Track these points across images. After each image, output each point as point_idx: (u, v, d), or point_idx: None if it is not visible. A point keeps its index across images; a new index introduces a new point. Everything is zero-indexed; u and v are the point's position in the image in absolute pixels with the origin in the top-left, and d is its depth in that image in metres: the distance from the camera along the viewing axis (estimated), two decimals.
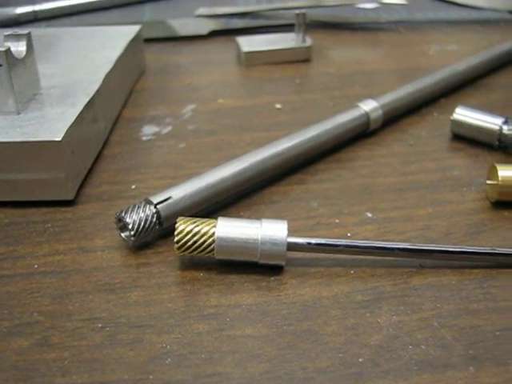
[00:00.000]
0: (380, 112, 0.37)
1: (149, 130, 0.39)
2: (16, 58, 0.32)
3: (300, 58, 0.50)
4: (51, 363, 0.22)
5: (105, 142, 0.37)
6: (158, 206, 0.27)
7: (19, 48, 0.33)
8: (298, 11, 0.50)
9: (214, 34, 0.57)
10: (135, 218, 0.27)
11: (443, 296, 0.25)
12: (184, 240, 0.25)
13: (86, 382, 0.21)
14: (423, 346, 0.22)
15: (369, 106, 0.37)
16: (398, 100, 0.39)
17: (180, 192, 0.29)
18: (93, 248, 0.28)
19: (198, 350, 0.22)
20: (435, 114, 0.40)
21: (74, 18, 0.64)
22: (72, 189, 0.31)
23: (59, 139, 0.30)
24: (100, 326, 0.24)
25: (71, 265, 0.27)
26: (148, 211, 0.27)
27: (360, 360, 0.22)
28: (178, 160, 0.35)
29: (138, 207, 0.27)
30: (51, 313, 0.25)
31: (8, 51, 0.32)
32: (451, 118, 0.37)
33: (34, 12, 0.62)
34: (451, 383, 0.21)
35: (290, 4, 0.60)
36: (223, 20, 0.59)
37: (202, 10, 0.61)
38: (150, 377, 0.21)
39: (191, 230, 0.25)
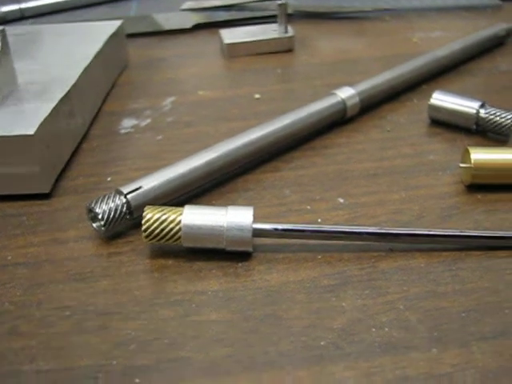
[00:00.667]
0: (357, 99, 0.37)
1: (128, 123, 0.39)
2: None
3: (282, 49, 0.50)
4: (19, 351, 0.22)
5: (84, 136, 0.37)
6: (128, 196, 0.28)
7: None
8: (279, 1, 0.50)
9: (198, 27, 0.57)
10: (105, 208, 0.27)
11: (411, 279, 0.25)
12: (151, 228, 0.26)
13: (52, 369, 0.22)
14: (387, 329, 0.23)
15: (345, 93, 0.37)
16: (375, 87, 0.39)
17: (151, 182, 0.29)
18: (66, 239, 0.28)
19: (162, 336, 0.22)
20: (415, 100, 0.40)
21: (61, 16, 0.64)
22: (47, 182, 0.32)
23: (32, 133, 0.30)
24: (68, 314, 0.24)
25: (44, 256, 0.27)
26: (118, 201, 0.27)
27: (322, 343, 0.22)
28: (154, 152, 0.35)
29: (108, 197, 0.28)
30: (22, 302, 0.25)
31: None
32: (428, 103, 0.37)
33: (21, 10, 0.62)
34: (413, 364, 0.21)
35: None
36: (208, 13, 0.59)
37: (188, 4, 0.61)
38: (114, 362, 0.22)
39: (158, 219, 0.26)
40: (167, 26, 0.56)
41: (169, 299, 0.24)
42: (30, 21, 0.62)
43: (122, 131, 0.38)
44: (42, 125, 0.31)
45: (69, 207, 0.31)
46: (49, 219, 0.30)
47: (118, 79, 0.46)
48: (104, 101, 0.42)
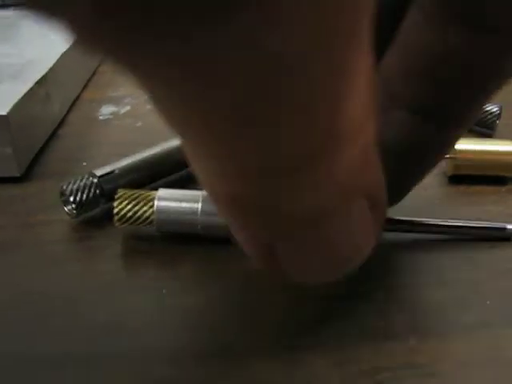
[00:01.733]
0: None
1: (107, 110, 0.38)
2: None
3: None
4: None
5: (61, 122, 0.36)
6: (100, 179, 0.27)
7: None
8: None
9: None
10: (76, 190, 0.26)
11: (391, 269, 0.24)
12: (123, 212, 0.25)
13: (14, 353, 0.21)
14: (366, 319, 0.22)
15: None
16: None
17: (125, 165, 0.28)
18: (37, 223, 0.27)
19: (131, 322, 0.22)
20: None
21: None
22: (20, 165, 0.31)
23: (5, 113, 0.29)
24: (35, 299, 0.23)
25: (13, 240, 0.26)
26: (89, 183, 0.27)
27: (294, 331, 0.21)
28: (133, 138, 0.34)
29: (81, 180, 0.27)
30: None
31: None
32: None
33: None
34: (391, 354, 0.20)
35: None
36: None
37: None
38: (80, 348, 0.21)
39: (131, 202, 0.25)
40: None
41: (139, 285, 0.23)
42: (12, 8, 0.61)
43: (101, 118, 0.37)
44: (15, 106, 0.30)
45: (41, 191, 0.30)
46: (20, 203, 0.29)
47: (98, 67, 0.45)
48: (84, 88, 0.41)
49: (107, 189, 0.27)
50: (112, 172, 0.27)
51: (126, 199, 0.25)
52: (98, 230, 0.27)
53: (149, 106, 0.38)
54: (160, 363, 0.20)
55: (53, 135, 0.35)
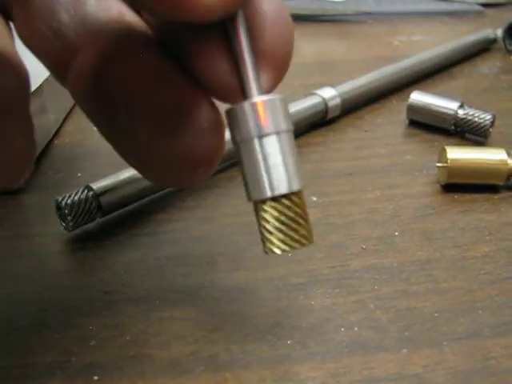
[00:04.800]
0: (338, 100, 0.36)
1: None
2: None
3: None
4: None
5: (56, 133, 0.36)
6: (97, 193, 0.27)
7: None
8: None
9: None
10: (72, 203, 0.26)
11: (383, 278, 0.24)
12: None
13: (7, 365, 0.21)
14: (356, 328, 0.22)
15: (327, 93, 0.36)
16: (357, 88, 0.38)
17: (121, 179, 0.28)
18: (31, 234, 0.28)
19: (124, 333, 0.22)
20: (394, 102, 0.40)
21: None
22: (19, 176, 0.31)
23: None
24: (29, 310, 0.23)
25: (7, 251, 0.26)
26: (85, 197, 0.27)
27: (288, 342, 0.21)
28: None
29: (76, 194, 0.27)
30: None
31: None
32: (407, 103, 0.36)
33: None
34: (382, 365, 0.21)
35: None
36: None
37: None
38: (73, 359, 0.21)
39: None
40: None
41: (132, 295, 0.23)
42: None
43: (96, 128, 0.37)
44: None
45: (36, 203, 0.30)
46: (15, 214, 0.29)
47: None
48: None
49: (105, 203, 0.27)
50: (112, 189, 0.27)
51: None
52: (92, 243, 0.27)
53: None
54: (154, 374, 0.20)
55: (48, 146, 0.35)
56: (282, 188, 0.16)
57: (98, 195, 0.27)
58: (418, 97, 0.36)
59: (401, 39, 0.51)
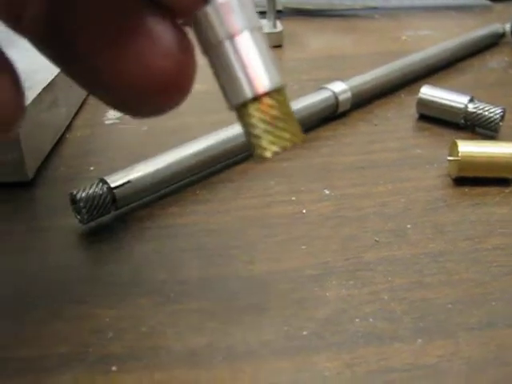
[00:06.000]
0: (349, 94, 0.37)
1: (113, 115, 0.38)
2: None
3: (271, 44, 0.49)
4: None
5: (67, 127, 0.37)
6: (112, 186, 0.27)
7: None
8: None
9: None
10: (87, 197, 0.27)
11: (396, 270, 0.24)
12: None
13: (24, 357, 0.21)
14: (371, 319, 0.22)
15: (337, 87, 0.36)
16: (367, 82, 0.38)
17: (137, 172, 0.28)
18: (46, 228, 0.28)
19: (140, 324, 0.22)
20: (403, 96, 0.40)
21: None
22: (30, 170, 0.31)
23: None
24: (44, 303, 0.23)
25: (20, 244, 0.27)
26: (100, 190, 0.27)
27: (304, 333, 0.21)
28: (139, 142, 0.35)
29: (90, 187, 0.27)
30: None
31: None
32: (417, 97, 0.36)
33: None
34: (397, 355, 0.21)
35: None
36: None
37: None
38: (90, 350, 0.21)
39: None
40: None
41: (148, 287, 0.24)
42: None
43: (107, 122, 0.37)
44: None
45: (50, 196, 0.30)
46: (29, 208, 0.29)
47: None
48: (88, 94, 0.41)
49: (119, 196, 0.27)
50: (127, 182, 0.27)
51: None
52: (107, 235, 0.27)
53: None
54: (171, 365, 0.20)
55: (60, 140, 0.35)
56: (263, 86, 0.15)
57: (113, 188, 0.27)
58: (427, 91, 0.36)
59: (408, 34, 0.52)
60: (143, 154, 0.31)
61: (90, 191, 0.27)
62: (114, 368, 0.20)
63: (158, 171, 0.29)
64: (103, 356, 0.21)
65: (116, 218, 0.28)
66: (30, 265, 0.25)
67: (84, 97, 0.41)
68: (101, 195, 0.27)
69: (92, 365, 0.21)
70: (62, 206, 0.29)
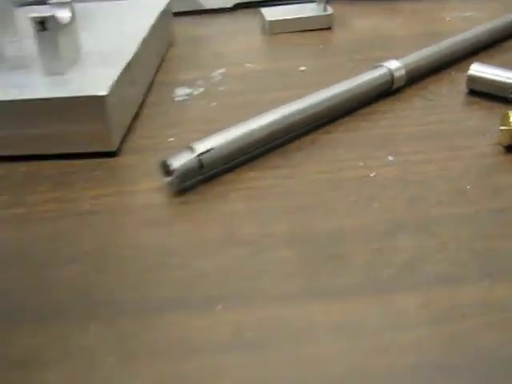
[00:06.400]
0: (403, 71, 0.39)
1: (181, 92, 0.41)
2: (61, 24, 0.35)
3: (321, 26, 0.52)
4: (98, 285, 0.25)
5: (141, 104, 0.40)
6: (199, 153, 0.30)
7: (64, 15, 0.36)
8: None
9: (237, 6, 0.59)
10: (178, 163, 0.30)
11: (461, 224, 0.27)
12: None
13: (133, 298, 0.24)
14: (442, 265, 0.25)
15: (392, 65, 0.39)
16: (419, 60, 0.41)
17: (219, 140, 0.31)
18: (136, 191, 0.31)
19: (237, 272, 0.25)
20: (453, 73, 0.42)
21: None
22: (115, 141, 0.34)
23: (104, 93, 0.32)
24: (144, 253, 0.26)
25: (117, 205, 0.30)
26: (189, 157, 0.30)
27: (384, 276, 0.24)
28: (210, 116, 0.38)
29: (180, 154, 0.30)
30: (101, 244, 0.27)
31: (53, 17, 0.34)
32: (467, 74, 0.39)
33: None
34: (467, 295, 0.23)
35: None
36: None
37: None
38: (194, 293, 0.24)
39: None
40: (208, 5, 0.58)
41: (239, 240, 0.27)
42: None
43: (177, 99, 0.40)
44: (111, 88, 0.33)
45: (135, 164, 0.33)
46: (118, 174, 0.33)
47: (166, 54, 0.48)
48: (156, 73, 0.45)
49: (206, 162, 0.30)
50: (210, 149, 0.30)
51: None
52: (195, 196, 0.30)
53: (221, 88, 0.41)
54: (270, 304, 0.23)
55: (136, 115, 0.38)
56: None
57: (199, 155, 0.30)
58: (477, 68, 0.39)
59: (452, 15, 0.54)
60: (216, 126, 0.34)
61: (181, 158, 0.30)
62: (219, 307, 0.23)
63: (236, 140, 0.32)
64: (208, 296, 0.24)
65: (201, 181, 0.31)
66: (127, 222, 0.28)
67: (152, 77, 0.44)
68: (190, 161, 0.30)
69: (197, 305, 0.24)
70: (149, 173, 0.32)
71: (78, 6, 0.48)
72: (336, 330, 0.22)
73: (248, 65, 0.45)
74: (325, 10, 0.52)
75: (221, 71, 0.44)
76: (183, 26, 0.55)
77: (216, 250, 0.26)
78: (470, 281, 0.24)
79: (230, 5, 0.59)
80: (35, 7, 0.51)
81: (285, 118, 0.33)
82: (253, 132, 0.32)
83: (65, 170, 0.33)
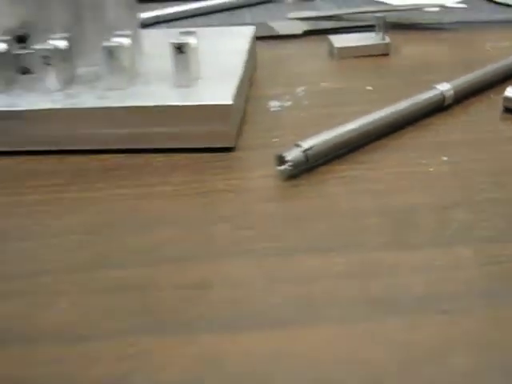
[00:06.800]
0: (452, 92, 0.50)
1: (274, 104, 0.52)
2: (191, 48, 0.46)
3: (380, 53, 0.63)
4: (241, 239, 0.36)
5: (243, 113, 0.51)
6: (305, 149, 0.41)
7: (193, 41, 0.47)
8: (377, 14, 0.63)
9: (306, 33, 0.70)
10: (291, 156, 0.40)
11: (500, 204, 0.37)
12: None
13: (269, 247, 0.35)
14: (499, 225, 0.35)
15: (444, 87, 0.50)
16: (465, 83, 0.51)
17: (319, 140, 0.42)
18: (256, 176, 0.41)
19: (341, 231, 0.36)
20: (492, 95, 0.53)
21: (186, 21, 0.78)
22: (233, 138, 0.45)
23: (231, 103, 0.44)
24: (277, 215, 0.37)
25: (242, 186, 0.40)
26: (299, 151, 0.41)
27: (446, 234, 0.35)
28: (302, 123, 0.48)
29: (291, 149, 0.41)
30: (241, 210, 0.38)
31: (188, 43, 0.46)
32: (503, 96, 0.49)
33: (157, 16, 0.76)
34: (505, 249, 0.34)
35: (368, 9, 0.73)
36: (313, 22, 0.72)
37: (294, 14, 0.75)
38: (316, 238, 0.35)
39: None
40: (282, 32, 0.69)
41: (337, 212, 0.37)
42: (165, 25, 0.76)
43: (272, 109, 0.51)
44: (233, 97, 0.44)
45: (249, 157, 0.44)
46: (237, 164, 0.43)
47: (253, 74, 0.59)
48: (249, 89, 0.56)
49: (310, 156, 0.41)
50: (312, 146, 0.41)
51: None
52: (303, 181, 0.41)
53: (305, 102, 0.52)
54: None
55: (242, 122, 0.49)
56: None
57: (305, 150, 0.41)
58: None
59: (491, 45, 0.64)
60: (310, 131, 0.44)
61: (291, 152, 0.41)
62: (332, 253, 0.34)
63: (331, 140, 0.42)
64: (322, 242, 0.34)
65: (305, 171, 0.42)
66: (252, 198, 0.39)
67: (247, 91, 0.55)
68: (299, 155, 0.41)
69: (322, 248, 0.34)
70: (262, 164, 0.43)
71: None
72: (416, 269, 0.32)
73: (323, 84, 0.56)
74: (383, 38, 0.63)
75: (302, 88, 0.55)
76: (262, 50, 0.66)
77: (322, 217, 0.37)
78: (507, 240, 0.34)
79: (299, 31, 0.70)
80: (158, 31, 0.62)
81: (365, 125, 0.44)
82: (343, 135, 0.43)
83: (195, 161, 0.44)
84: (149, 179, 0.42)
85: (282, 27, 0.70)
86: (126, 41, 0.47)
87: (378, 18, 0.63)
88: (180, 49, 0.45)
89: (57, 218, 0.38)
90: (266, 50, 0.66)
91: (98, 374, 0.26)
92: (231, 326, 0.29)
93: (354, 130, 0.43)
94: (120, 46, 0.46)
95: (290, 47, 0.67)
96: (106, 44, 0.46)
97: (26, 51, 0.51)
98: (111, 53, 0.46)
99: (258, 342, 0.28)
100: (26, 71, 0.52)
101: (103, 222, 0.37)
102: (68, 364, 0.27)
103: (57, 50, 0.47)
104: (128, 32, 0.48)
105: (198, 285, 0.32)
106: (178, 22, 0.77)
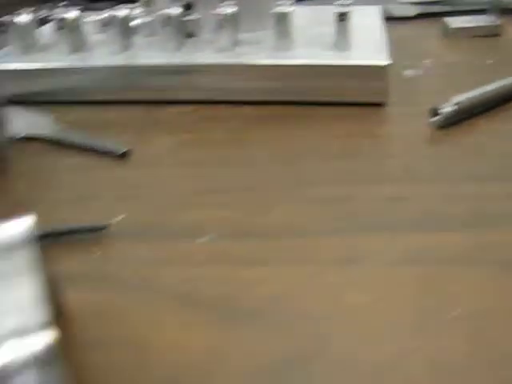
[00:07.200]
0: None
1: (408, 72, 0.59)
2: (348, 16, 0.54)
3: (492, 33, 0.69)
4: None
5: None
6: (455, 102, 0.48)
7: (347, 10, 0.54)
8: None
9: (417, 16, 0.77)
10: (445, 109, 0.47)
11: None
12: None
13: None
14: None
15: None
16: None
17: (466, 96, 0.49)
18: (410, 126, 0.49)
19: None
20: None
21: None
22: (387, 95, 0.52)
23: (387, 63, 0.51)
24: (430, 158, 0.44)
25: (398, 132, 0.48)
26: (451, 105, 0.48)
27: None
28: (438, 87, 0.55)
29: (444, 104, 0.48)
30: (386, 154, 0.45)
31: (348, 12, 0.53)
32: None
33: None
34: None
35: None
36: (422, 6, 0.79)
37: None
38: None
39: None
40: (397, 14, 0.76)
41: (480, 156, 0.44)
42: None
43: (408, 76, 0.58)
44: (388, 59, 0.52)
45: (400, 112, 0.51)
46: (390, 116, 0.51)
47: None
48: None
49: (460, 109, 0.48)
50: (462, 101, 0.48)
51: None
52: (451, 131, 0.48)
53: (434, 71, 0.59)
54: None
55: None
56: None
57: (456, 104, 0.48)
58: None
59: None
60: (447, 92, 0.50)
61: (445, 106, 0.48)
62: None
63: (477, 96, 0.49)
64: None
65: (455, 123, 0.49)
66: (407, 143, 0.46)
67: None
68: (451, 108, 0.48)
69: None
70: (413, 116, 0.50)
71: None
72: None
73: (446, 58, 0.63)
74: (495, 21, 0.69)
75: (429, 61, 0.62)
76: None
77: (474, 157, 0.44)
78: None
79: (412, 14, 0.77)
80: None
81: (505, 86, 0.51)
82: (487, 93, 0.50)
83: (355, 112, 0.51)
84: (315, 125, 0.49)
85: (396, 10, 0.77)
86: (289, 8, 0.55)
87: (492, 1, 0.69)
88: (342, 16, 0.53)
89: (256, 150, 0.46)
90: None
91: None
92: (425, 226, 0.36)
93: (495, 89, 0.50)
94: (288, 12, 0.54)
95: (405, 28, 0.74)
96: (275, 10, 0.54)
97: (193, 17, 0.59)
98: (281, 17, 0.53)
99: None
100: (191, 35, 0.59)
101: (295, 153, 0.45)
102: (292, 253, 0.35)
103: (227, 15, 0.55)
104: (289, 1, 0.56)
105: (393, 199, 0.39)
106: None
